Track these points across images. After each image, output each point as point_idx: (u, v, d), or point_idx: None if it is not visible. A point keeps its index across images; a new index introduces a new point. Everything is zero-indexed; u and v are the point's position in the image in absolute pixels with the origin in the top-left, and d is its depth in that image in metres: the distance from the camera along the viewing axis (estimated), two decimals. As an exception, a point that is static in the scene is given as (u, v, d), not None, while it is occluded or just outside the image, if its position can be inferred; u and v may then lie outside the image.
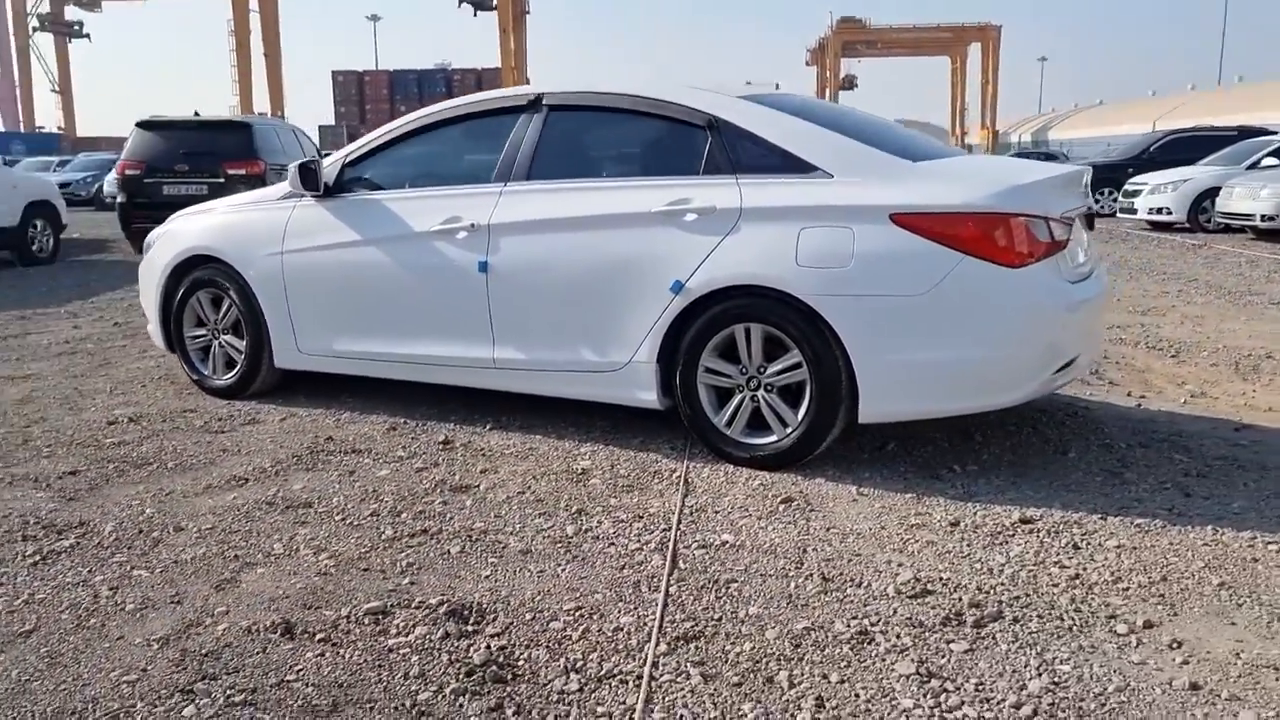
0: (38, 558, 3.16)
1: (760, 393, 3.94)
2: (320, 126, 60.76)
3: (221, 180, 12.29)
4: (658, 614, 2.72)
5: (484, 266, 4.35)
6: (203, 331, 5.30)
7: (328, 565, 3.08)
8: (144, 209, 12.18)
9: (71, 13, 70.74)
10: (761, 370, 3.92)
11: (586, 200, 4.20)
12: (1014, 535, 3.30)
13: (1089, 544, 3.23)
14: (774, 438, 3.93)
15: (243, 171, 12.42)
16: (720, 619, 2.71)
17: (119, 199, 12.96)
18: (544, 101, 4.46)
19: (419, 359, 4.63)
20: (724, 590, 2.89)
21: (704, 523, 3.42)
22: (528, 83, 63.99)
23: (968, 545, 3.22)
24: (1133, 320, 7.52)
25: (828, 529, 3.36)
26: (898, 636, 2.60)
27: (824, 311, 3.71)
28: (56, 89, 71.65)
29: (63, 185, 19.81)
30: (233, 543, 3.27)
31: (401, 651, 2.54)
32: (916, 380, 3.72)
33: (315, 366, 4.98)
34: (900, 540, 3.26)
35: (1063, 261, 3.81)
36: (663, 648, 2.55)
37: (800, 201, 3.82)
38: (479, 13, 65.04)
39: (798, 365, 3.82)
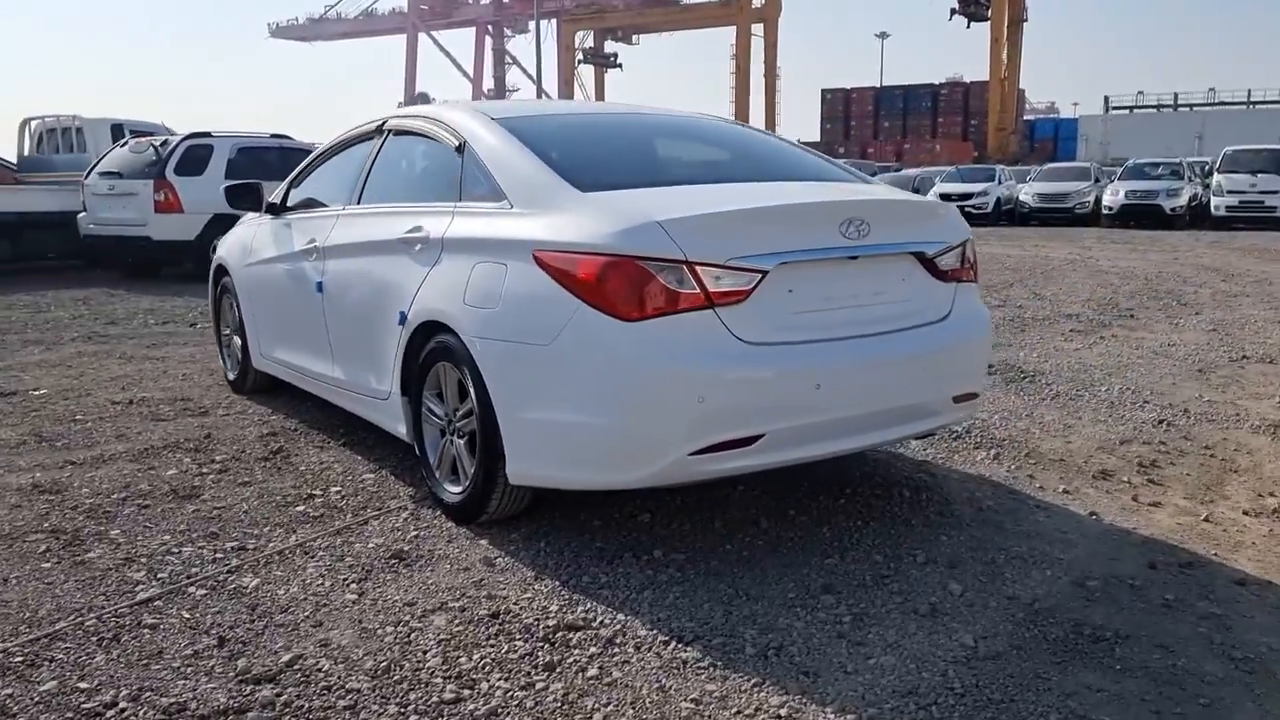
0: None
1: (454, 438, 3.63)
2: (800, 143, 62.75)
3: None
4: None
5: (320, 287, 4.47)
6: (228, 331, 6.00)
7: (-57, 545, 3.45)
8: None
9: (609, 46, 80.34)
10: (455, 414, 3.62)
11: (371, 225, 4.16)
12: (515, 640, 2.75)
13: (572, 662, 2.60)
14: (459, 488, 3.60)
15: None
16: (32, 667, 2.63)
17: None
18: (385, 126, 4.46)
19: (306, 372, 4.86)
20: (128, 639, 2.78)
21: (275, 566, 3.27)
22: (1019, 94, 60.39)
23: (435, 641, 2.74)
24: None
25: (362, 595, 3.05)
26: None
27: (475, 355, 3.34)
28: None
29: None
30: (-62, 513, 3.77)
31: None
32: (547, 443, 3.20)
33: (271, 371, 5.41)
34: (392, 620, 2.86)
35: (743, 316, 3.02)
36: (-63, 674, 2.56)
37: (477, 233, 3.48)
38: (972, 24, 62.82)
39: (471, 413, 3.47)
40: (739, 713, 2.39)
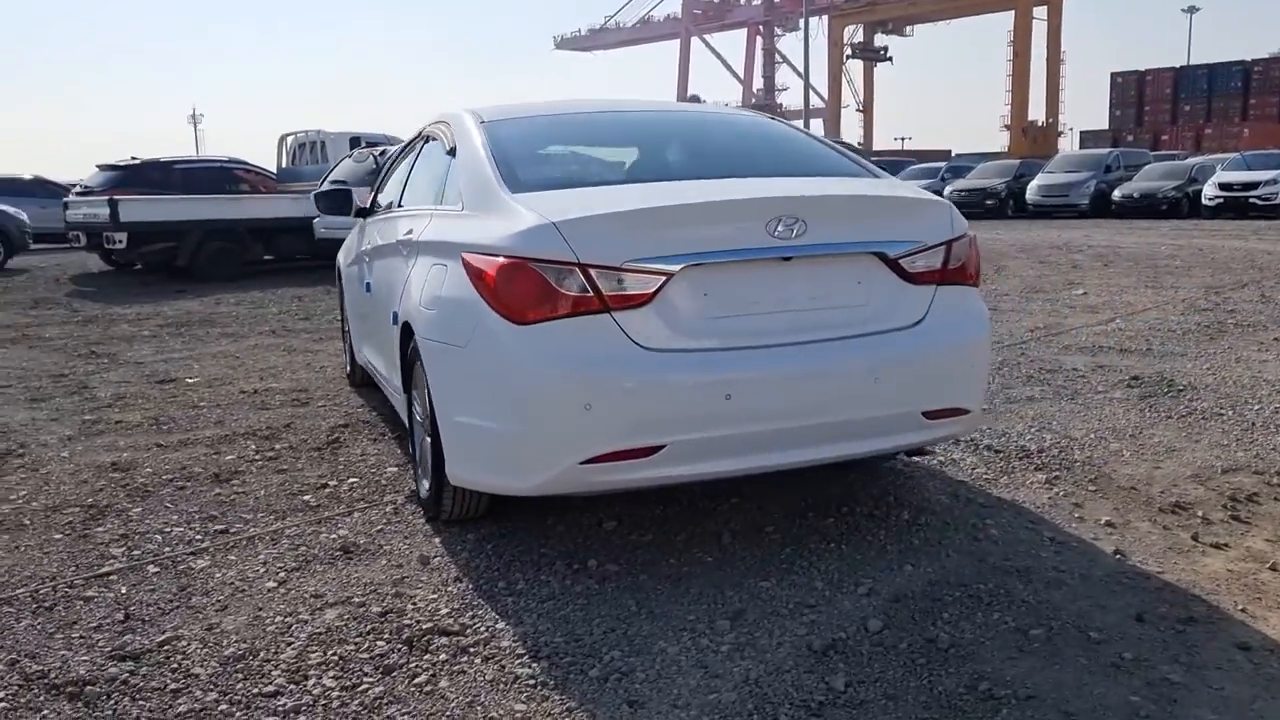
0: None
1: (426, 436, 3.69)
2: (1081, 132, 58.37)
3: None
4: (-37, 602, 3.05)
5: (369, 288, 4.70)
6: (347, 328, 6.40)
7: (-1, 513, 3.93)
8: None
9: (879, 39, 78.38)
10: (425, 412, 3.68)
11: (393, 228, 4.30)
12: (380, 640, 2.76)
13: (412, 668, 2.58)
14: (428, 484, 3.66)
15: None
16: (-13, 622, 2.93)
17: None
18: (423, 132, 4.60)
19: (369, 366, 5.11)
20: (59, 610, 3.05)
21: (235, 551, 3.47)
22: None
23: (308, 635, 2.80)
24: None
25: (281, 584, 3.17)
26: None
27: (422, 355, 3.40)
28: (860, 108, 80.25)
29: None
30: None
31: None
32: (468, 446, 3.18)
33: (364, 364, 5.72)
34: (288, 610, 2.96)
35: (644, 320, 2.86)
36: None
37: (437, 236, 3.52)
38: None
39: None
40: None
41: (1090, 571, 3.12)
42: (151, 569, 3.31)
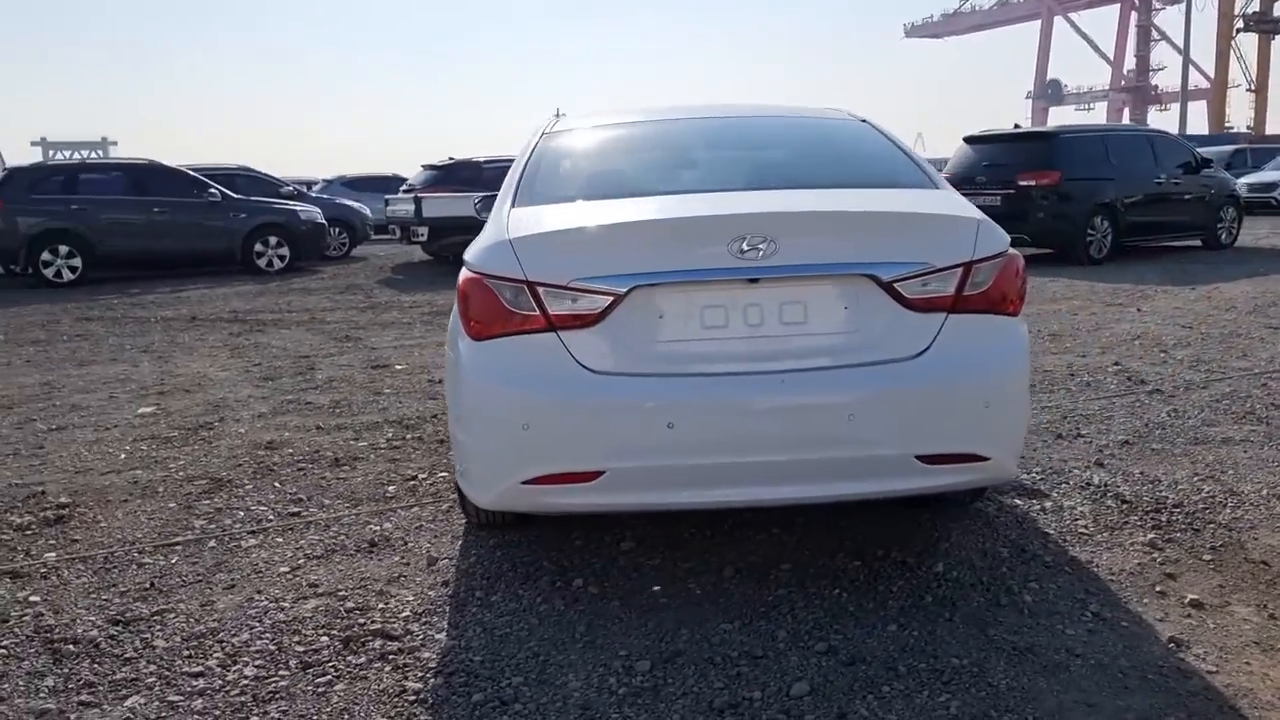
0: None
1: (469, 440, 3.81)
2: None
3: (1011, 191, 12.43)
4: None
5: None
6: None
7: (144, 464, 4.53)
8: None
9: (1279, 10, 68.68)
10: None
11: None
12: (325, 636, 2.90)
13: (328, 668, 2.71)
14: (465, 488, 3.77)
15: (1032, 183, 12.33)
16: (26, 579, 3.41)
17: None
18: (537, 138, 4.69)
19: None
20: (112, 571, 3.48)
21: (286, 534, 3.77)
22: None
23: (270, 624, 3.00)
24: None
25: (294, 570, 3.40)
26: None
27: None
28: (1251, 88, 70.98)
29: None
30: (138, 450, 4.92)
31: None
32: (455, 453, 3.25)
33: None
34: (277, 597, 3.18)
35: (592, 341, 2.77)
36: (-12, 570, 3.46)
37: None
38: None
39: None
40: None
41: (1114, 660, 2.62)
42: (211, 544, 3.66)
